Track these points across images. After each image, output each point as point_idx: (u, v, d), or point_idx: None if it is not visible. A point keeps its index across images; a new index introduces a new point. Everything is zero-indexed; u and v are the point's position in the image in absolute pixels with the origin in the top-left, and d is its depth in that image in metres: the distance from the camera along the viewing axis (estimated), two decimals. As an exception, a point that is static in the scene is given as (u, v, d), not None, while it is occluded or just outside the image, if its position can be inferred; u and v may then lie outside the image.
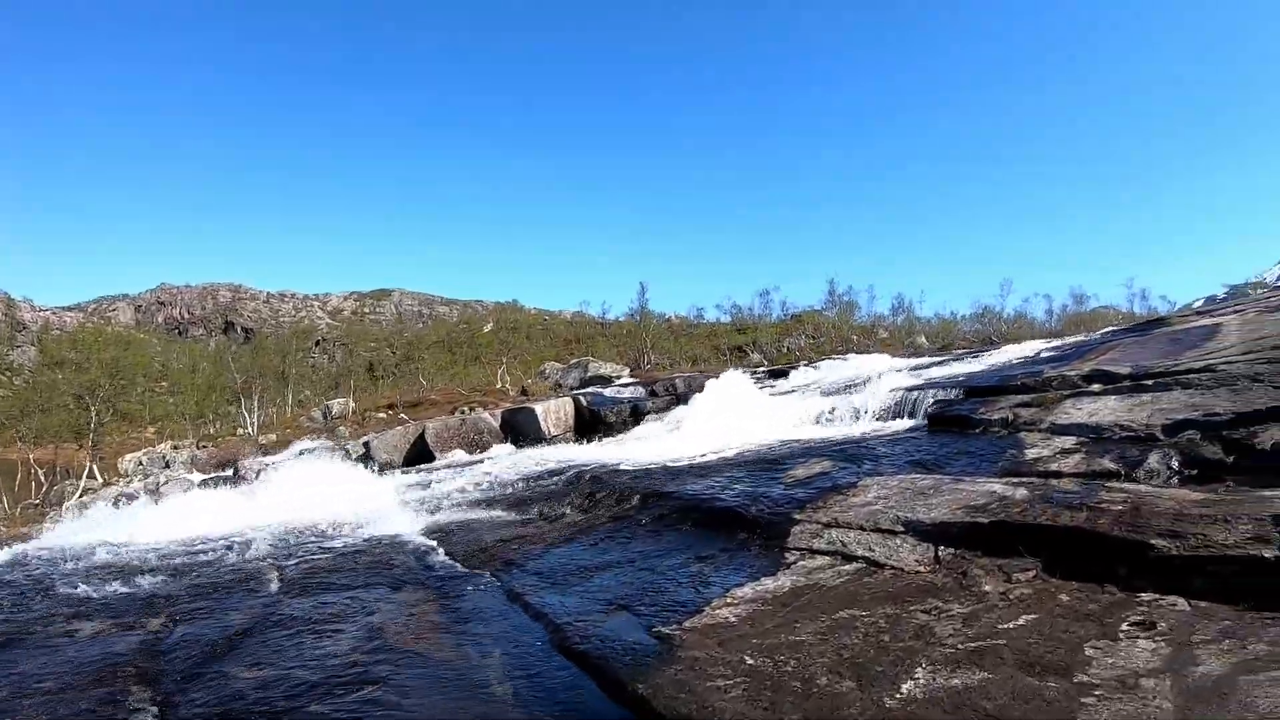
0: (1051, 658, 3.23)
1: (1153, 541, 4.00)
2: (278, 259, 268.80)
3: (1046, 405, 8.34)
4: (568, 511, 8.14)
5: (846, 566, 4.87)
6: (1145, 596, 3.80)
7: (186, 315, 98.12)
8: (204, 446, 35.84)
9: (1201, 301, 43.71)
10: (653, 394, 20.43)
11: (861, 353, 24.91)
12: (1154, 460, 5.83)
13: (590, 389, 23.90)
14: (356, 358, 64.47)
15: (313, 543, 7.69)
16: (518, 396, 28.73)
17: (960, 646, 3.44)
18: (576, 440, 17.92)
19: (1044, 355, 14.48)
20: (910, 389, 11.90)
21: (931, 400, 10.81)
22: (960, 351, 21.84)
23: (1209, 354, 9.10)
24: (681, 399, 18.70)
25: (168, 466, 30.17)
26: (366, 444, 19.49)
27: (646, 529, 6.77)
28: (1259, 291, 28.22)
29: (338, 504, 9.75)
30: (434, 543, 7.35)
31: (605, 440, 16.53)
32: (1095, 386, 8.77)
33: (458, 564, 6.43)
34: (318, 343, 76.59)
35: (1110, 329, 20.31)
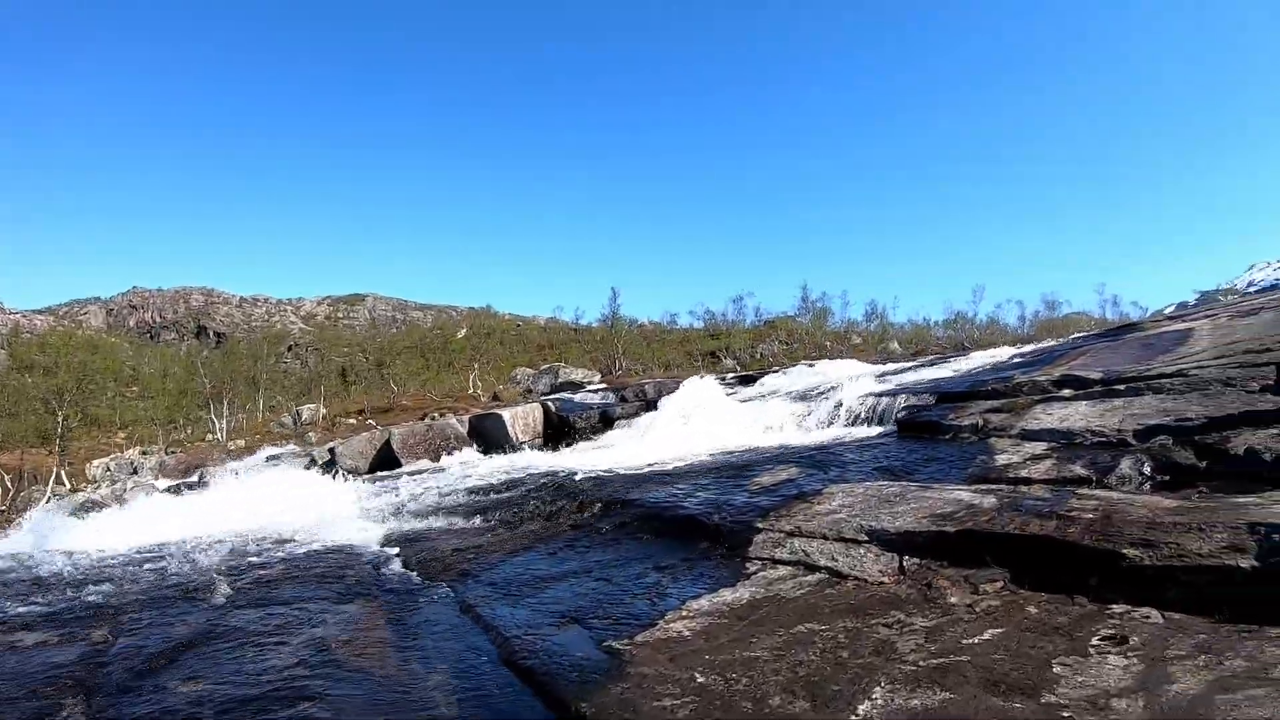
0: (1017, 676, 3.04)
1: (1125, 551, 3.84)
2: (251, 263, 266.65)
3: (1017, 411, 8.25)
4: (528, 520, 7.95)
5: (809, 577, 4.69)
6: (1117, 608, 3.64)
7: (158, 319, 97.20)
8: (172, 452, 35.44)
9: (1173, 308, 44.21)
10: (623, 400, 20.27)
11: (833, 359, 24.82)
12: (1126, 466, 5.73)
13: (560, 395, 23.67)
14: (329, 363, 63.89)
15: (268, 552, 7.45)
16: (489, 402, 28.46)
17: (922, 664, 3.25)
18: (545, 446, 17.70)
19: (1015, 360, 14.43)
20: (880, 395, 11.83)
21: (901, 406, 10.72)
22: (932, 357, 21.82)
23: (1181, 358, 9.04)
24: (651, 405, 18.51)
25: (135, 472, 29.79)
26: (332, 450, 19.15)
27: (607, 537, 6.60)
28: (1230, 297, 28.47)
29: (297, 512, 9.58)
30: (391, 552, 7.16)
31: (574, 446, 16.39)
32: (1066, 391, 8.72)
33: (412, 574, 6.23)
34: (290, 348, 75.84)
35: (1082, 334, 20.34)
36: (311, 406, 40.73)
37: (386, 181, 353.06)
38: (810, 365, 22.83)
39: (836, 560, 4.79)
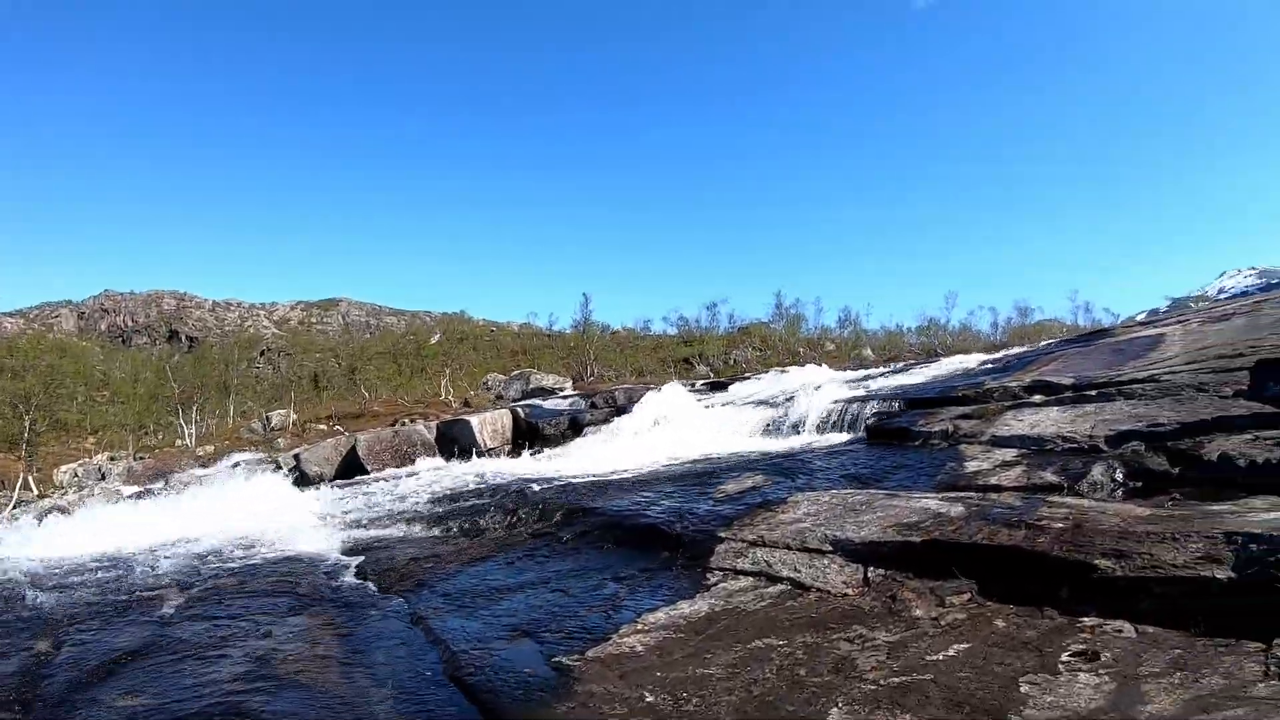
0: (983, 695, 2.87)
1: (1096, 562, 3.69)
2: (224, 267, 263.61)
3: (988, 417, 8.14)
4: (489, 528, 7.83)
5: (770, 589, 4.53)
6: (1088, 621, 3.49)
7: (130, 323, 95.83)
8: (141, 458, 34.87)
9: (1145, 314, 44.57)
10: (593, 406, 20.08)
11: (805, 365, 24.72)
12: (1097, 472, 5.64)
13: (531, 401, 23.42)
14: (302, 368, 63.28)
15: (223, 560, 7.32)
16: (460, 409, 28.09)
17: (883, 683, 3.07)
18: (514, 453, 17.53)
19: (987, 366, 14.45)
20: (850, 401, 11.74)
21: (871, 412, 10.61)
22: (904, 364, 21.80)
23: (1152, 364, 8.99)
24: (621, 411, 18.36)
25: (104, 478, 29.35)
26: (297, 457, 18.81)
27: (567, 547, 6.47)
28: (1201, 304, 28.68)
29: (257, 520, 9.39)
30: (348, 561, 7.02)
31: (543, 453, 16.18)
32: (1037, 397, 8.65)
33: (368, 584, 6.09)
34: (263, 352, 75.03)
35: (1054, 340, 20.35)
36: (282, 412, 40.20)
37: (362, 186, 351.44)
38: (782, 372, 22.67)
39: (799, 571, 4.63)
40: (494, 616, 4.73)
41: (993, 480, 5.98)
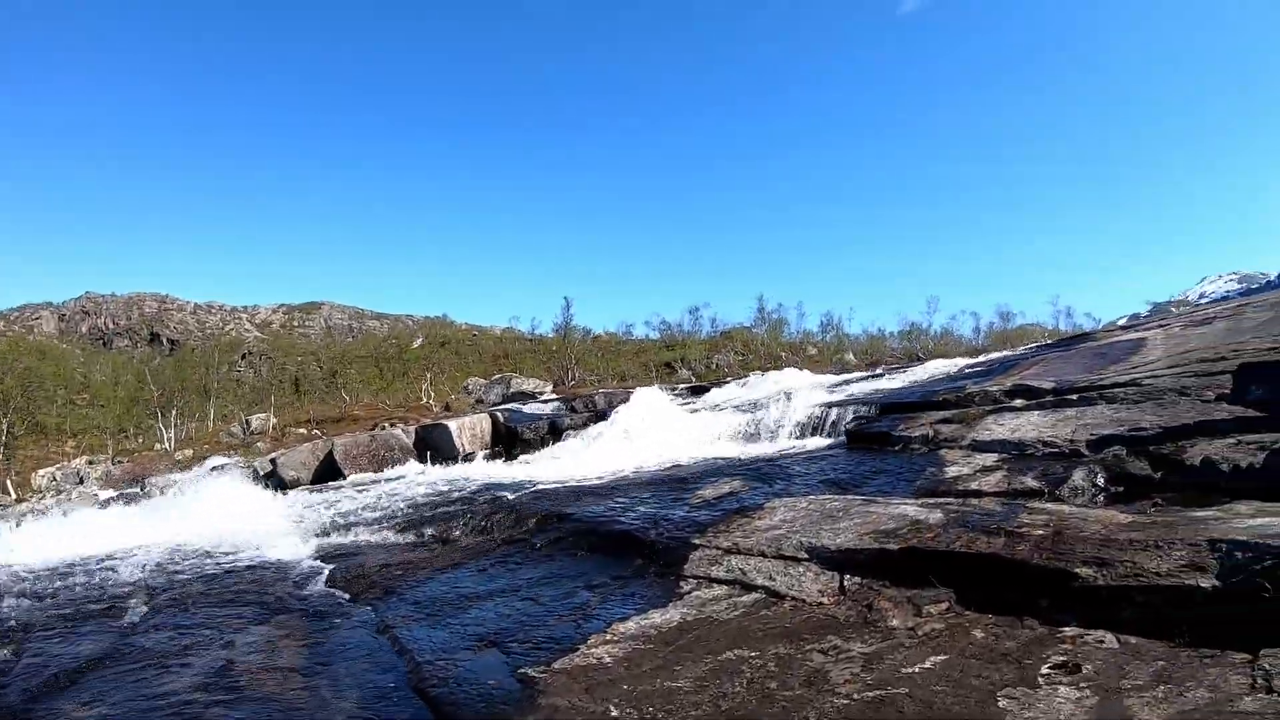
0: (960, 710, 2.75)
1: (1077, 570, 3.58)
2: (206, 269, 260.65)
3: (968, 421, 8.09)
4: (463, 534, 7.76)
5: (745, 597, 4.41)
6: (1069, 631, 3.37)
7: (111, 325, 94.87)
8: (120, 462, 34.80)
9: (1126, 319, 44.81)
10: (572, 410, 20.01)
11: (786, 369, 24.68)
12: (1079, 477, 5.56)
13: (510, 405, 23.29)
14: (283, 371, 62.95)
15: (192, 567, 7.26)
16: (440, 413, 27.99)
17: (856, 697, 2.94)
18: (493, 458, 17.38)
19: (968, 371, 14.40)
20: (830, 405, 11.67)
21: (851, 417, 10.54)
22: (886, 368, 21.79)
23: (1134, 368, 8.95)
24: (601, 416, 18.28)
25: (82, 482, 29.41)
26: (274, 461, 18.74)
27: (540, 554, 6.36)
28: (1182, 309, 28.82)
29: (230, 525, 9.37)
30: (318, 567, 6.93)
31: (521, 458, 16.09)
32: (1018, 402, 8.60)
33: (336, 591, 5.98)
34: (244, 356, 74.45)
35: (1035, 344, 20.39)
36: (262, 416, 40.13)
37: (345, 189, 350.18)
38: (763, 376, 22.62)
39: (774, 579, 4.51)
40: (462, 626, 4.62)
41: (973, 485, 5.89)
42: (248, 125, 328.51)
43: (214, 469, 21.11)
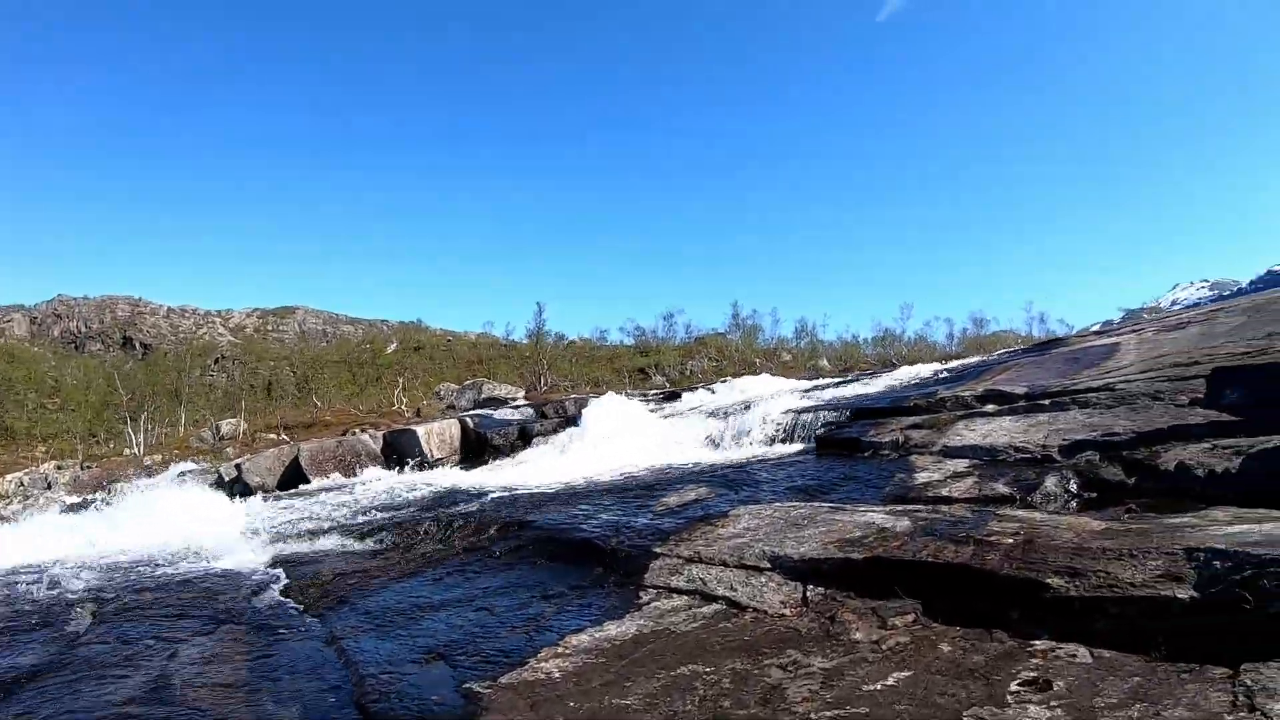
0: (924, 733, 2.55)
1: (1049, 580, 3.42)
2: (180, 273, 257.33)
3: (939, 427, 8.00)
4: (423, 541, 7.54)
5: (705, 608, 4.23)
6: (1040, 645, 3.21)
7: (84, 329, 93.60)
8: (88, 467, 34.27)
9: (1099, 325, 45.10)
10: (543, 416, 19.80)
11: (760, 374, 24.64)
12: (1051, 483, 5.47)
13: (481, 411, 23.07)
14: (255, 376, 62.35)
15: (143, 575, 7.09)
16: (411, 418, 27.68)
17: (813, 716, 2.77)
18: (462, 464, 17.29)
19: (940, 376, 14.45)
20: (801, 411, 11.62)
21: (822, 423, 10.45)
22: (859, 373, 21.79)
23: (1107, 373, 8.92)
24: (572, 421, 18.10)
25: (49, 487, 28.79)
26: (239, 466, 18.37)
27: (500, 562, 6.19)
28: (1155, 315, 29.07)
29: (186, 532, 9.13)
30: (273, 575, 6.83)
31: (490, 464, 15.96)
32: (990, 407, 8.54)
33: (289, 601, 5.85)
34: (217, 360, 73.69)
35: (1008, 350, 20.39)
36: (232, 421, 39.58)
37: (320, 193, 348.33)
38: (736, 381, 22.55)
39: (735, 590, 4.34)
40: (412, 637, 4.48)
41: (943, 492, 5.79)
42: (224, 128, 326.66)
43: (181, 474, 20.71)
